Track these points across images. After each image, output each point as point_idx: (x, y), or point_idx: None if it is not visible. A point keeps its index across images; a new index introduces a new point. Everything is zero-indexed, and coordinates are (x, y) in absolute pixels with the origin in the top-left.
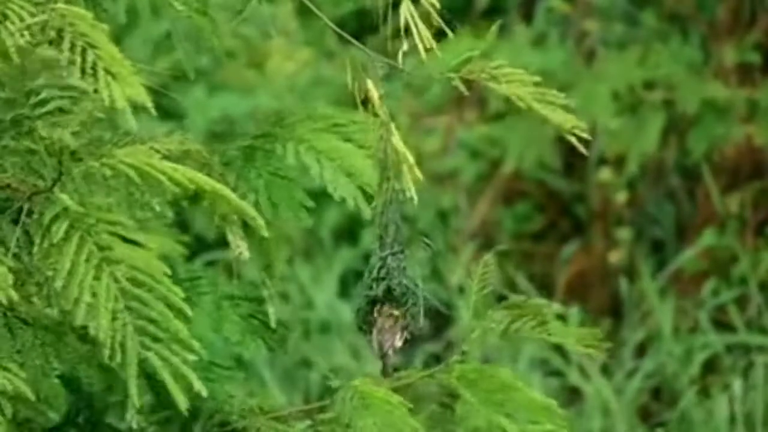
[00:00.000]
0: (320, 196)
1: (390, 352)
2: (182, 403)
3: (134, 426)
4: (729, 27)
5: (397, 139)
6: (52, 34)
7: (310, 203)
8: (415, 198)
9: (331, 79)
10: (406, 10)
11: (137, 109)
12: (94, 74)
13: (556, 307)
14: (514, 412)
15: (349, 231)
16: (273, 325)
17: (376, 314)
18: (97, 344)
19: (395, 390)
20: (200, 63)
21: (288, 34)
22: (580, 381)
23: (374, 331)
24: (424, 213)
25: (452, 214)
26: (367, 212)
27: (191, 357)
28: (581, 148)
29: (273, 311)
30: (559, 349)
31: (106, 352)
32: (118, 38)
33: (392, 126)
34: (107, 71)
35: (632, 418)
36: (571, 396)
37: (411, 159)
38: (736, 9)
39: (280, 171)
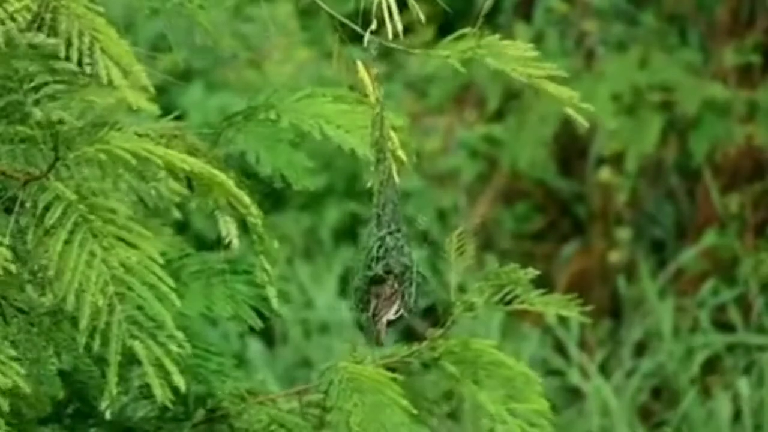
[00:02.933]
0: (320, 195)
1: (384, 320)
2: (161, 395)
3: (108, 416)
4: (728, 27)
5: (386, 122)
6: (48, 16)
7: (310, 164)
8: (397, 181)
9: (332, 79)
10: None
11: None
12: (91, 55)
13: (532, 271)
14: (495, 385)
15: (349, 231)
16: (274, 305)
17: (374, 288)
18: (79, 331)
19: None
20: (199, 62)
21: (288, 34)
22: (580, 381)
23: (371, 302)
24: (424, 213)
25: (452, 214)
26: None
27: (175, 348)
28: (581, 120)
29: (274, 293)
30: (559, 349)
31: (83, 340)
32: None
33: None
34: (104, 51)
35: (632, 418)
36: (571, 396)
37: (396, 141)
38: (736, 9)
39: (278, 135)
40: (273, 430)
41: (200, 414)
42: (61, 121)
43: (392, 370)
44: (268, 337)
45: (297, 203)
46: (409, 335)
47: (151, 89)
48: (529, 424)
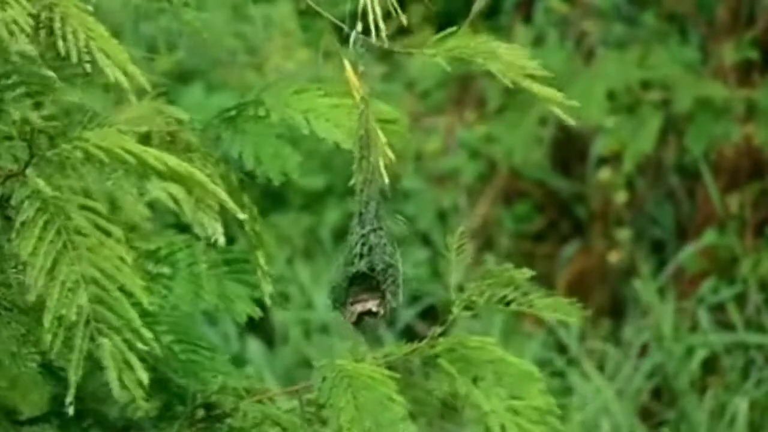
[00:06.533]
0: (320, 196)
1: (358, 313)
2: (119, 393)
3: (71, 412)
4: (728, 27)
5: (371, 118)
6: (43, 16)
7: (297, 158)
8: (386, 179)
9: (331, 79)
10: None
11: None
12: (89, 53)
13: (528, 272)
14: (495, 382)
15: None
16: (268, 302)
17: (354, 286)
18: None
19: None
20: (198, 63)
21: (288, 34)
22: (581, 381)
23: (350, 298)
24: (424, 213)
25: (452, 214)
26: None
27: (140, 345)
28: (569, 120)
29: (270, 289)
30: (559, 348)
31: (48, 338)
32: (115, 37)
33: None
34: (101, 50)
35: (632, 418)
36: (572, 396)
37: (383, 138)
38: (736, 9)
39: (266, 130)
40: (267, 428)
41: (198, 412)
42: (31, 117)
43: (391, 369)
44: (267, 337)
45: (297, 203)
46: (410, 336)
47: (149, 89)
48: (531, 421)
